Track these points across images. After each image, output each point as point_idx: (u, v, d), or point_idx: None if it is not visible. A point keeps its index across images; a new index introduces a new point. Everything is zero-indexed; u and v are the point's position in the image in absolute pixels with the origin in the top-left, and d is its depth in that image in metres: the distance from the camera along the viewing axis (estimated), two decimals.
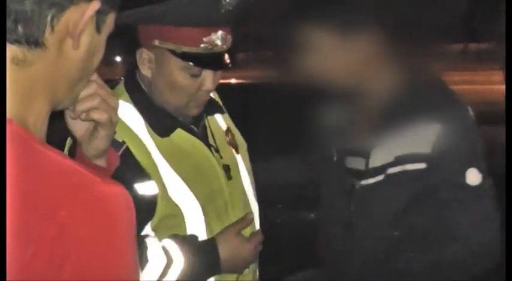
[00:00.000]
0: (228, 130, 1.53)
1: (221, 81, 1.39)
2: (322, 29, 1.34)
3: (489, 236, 1.29)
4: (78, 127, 0.92)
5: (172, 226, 1.30)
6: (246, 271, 1.39)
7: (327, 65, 1.36)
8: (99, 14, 0.65)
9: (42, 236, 0.54)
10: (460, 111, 1.34)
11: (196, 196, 1.32)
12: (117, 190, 0.61)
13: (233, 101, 2.83)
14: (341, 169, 1.50)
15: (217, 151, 1.44)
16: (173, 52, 1.28)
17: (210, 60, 1.30)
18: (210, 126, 1.47)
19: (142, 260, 1.20)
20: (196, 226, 1.32)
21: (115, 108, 0.91)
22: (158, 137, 1.32)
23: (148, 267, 1.22)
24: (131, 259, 0.62)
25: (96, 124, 0.90)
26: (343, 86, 1.38)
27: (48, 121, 0.67)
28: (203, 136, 1.43)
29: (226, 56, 1.33)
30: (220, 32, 1.28)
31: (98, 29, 0.66)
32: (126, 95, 1.36)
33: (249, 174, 1.51)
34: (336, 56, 1.35)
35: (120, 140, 1.24)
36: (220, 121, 1.53)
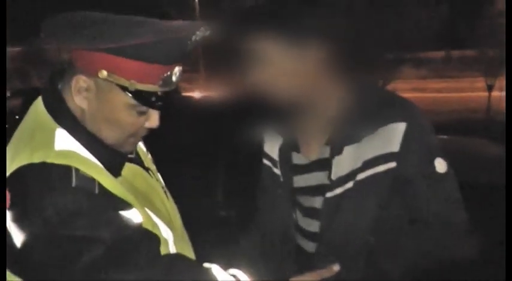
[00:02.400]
0: (147, 150, 1.44)
1: None
2: (270, 39, 1.29)
3: (462, 216, 1.36)
4: None
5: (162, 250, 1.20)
6: None
7: (275, 76, 1.32)
8: None
9: None
10: (417, 109, 1.40)
11: (163, 222, 1.24)
12: None
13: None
14: (287, 189, 1.49)
15: (153, 173, 1.36)
16: (123, 88, 1.10)
17: (163, 100, 1.15)
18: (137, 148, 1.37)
19: None
20: (172, 251, 1.25)
21: None
22: None
23: None
24: None
25: None
26: (292, 98, 1.34)
27: None
28: (139, 161, 1.33)
29: (176, 91, 1.20)
30: (177, 68, 1.14)
31: None
32: (55, 122, 1.15)
33: None
34: (283, 67, 1.31)
35: (89, 177, 1.09)
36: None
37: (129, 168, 1.24)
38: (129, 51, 1.06)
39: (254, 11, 1.33)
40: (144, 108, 1.15)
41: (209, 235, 2.53)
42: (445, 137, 3.46)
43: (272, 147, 1.54)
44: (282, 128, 1.50)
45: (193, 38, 1.10)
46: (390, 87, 10.31)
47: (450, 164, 1.35)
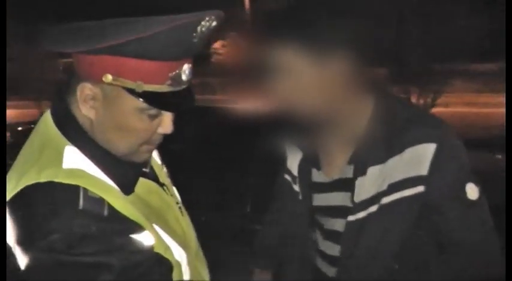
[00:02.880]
0: (162, 163, 1.37)
1: None
2: (295, 49, 1.20)
3: (495, 245, 1.26)
4: None
5: (174, 274, 1.15)
6: None
7: (298, 88, 1.22)
8: None
9: None
10: (449, 128, 1.28)
11: (176, 242, 1.18)
12: None
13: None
14: (306, 208, 1.40)
15: (167, 189, 1.28)
16: (131, 91, 1.03)
17: (175, 101, 1.06)
18: (152, 162, 1.30)
19: None
20: (185, 273, 1.19)
21: None
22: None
23: None
24: None
25: None
26: (314, 112, 1.26)
27: None
28: (154, 176, 1.25)
29: (190, 92, 1.11)
30: (186, 66, 1.06)
31: None
32: (64, 138, 1.09)
33: None
34: (307, 79, 1.21)
35: (98, 197, 1.02)
36: (153, 154, 1.33)
37: (143, 184, 1.17)
38: (131, 49, 0.98)
39: (280, 17, 1.24)
40: (154, 111, 1.07)
41: (235, 246, 2.46)
42: (499, 156, 3.29)
43: (293, 162, 1.46)
44: (303, 143, 1.42)
45: (199, 29, 1.01)
46: (441, 101, 9.96)
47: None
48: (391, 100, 1.31)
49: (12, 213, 1.02)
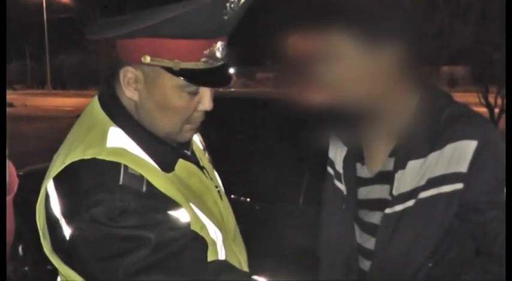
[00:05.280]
0: (204, 147, 1.42)
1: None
2: (345, 35, 1.19)
3: None
4: None
5: (209, 252, 1.17)
6: None
7: (345, 76, 1.22)
8: None
9: None
10: (492, 127, 1.25)
11: (212, 222, 1.22)
12: None
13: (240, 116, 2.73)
14: (351, 200, 1.38)
15: (208, 172, 1.33)
16: (169, 70, 1.10)
17: (212, 77, 1.13)
18: (194, 147, 1.35)
19: None
20: (221, 253, 1.22)
21: None
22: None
23: None
24: None
25: None
26: (360, 103, 1.25)
27: None
28: (195, 159, 1.31)
29: (226, 69, 1.16)
30: (219, 43, 1.12)
31: None
32: (109, 120, 1.17)
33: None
34: (355, 68, 1.21)
35: (138, 174, 1.09)
36: (196, 138, 1.40)
37: (184, 166, 1.23)
38: (166, 29, 1.06)
39: (338, 3, 1.23)
40: (193, 88, 1.13)
41: (284, 239, 2.48)
42: None
43: (336, 155, 1.46)
44: (348, 136, 1.41)
45: (228, 6, 1.06)
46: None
47: None
48: (437, 95, 1.29)
49: (59, 187, 1.10)
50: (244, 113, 2.93)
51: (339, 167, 1.43)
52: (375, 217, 1.32)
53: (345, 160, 1.41)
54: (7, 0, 1.24)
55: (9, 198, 0.75)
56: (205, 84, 1.15)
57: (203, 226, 1.17)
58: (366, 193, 1.37)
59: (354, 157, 1.39)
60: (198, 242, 1.13)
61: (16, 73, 45.64)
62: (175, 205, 1.11)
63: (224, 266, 1.17)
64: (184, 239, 1.09)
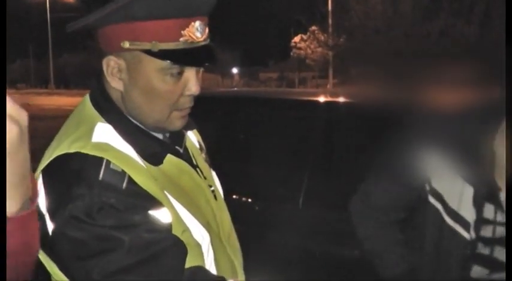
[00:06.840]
0: (201, 147, 1.41)
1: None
2: None
3: None
4: None
5: (191, 256, 1.13)
6: None
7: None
8: None
9: None
10: None
11: (199, 222, 1.20)
12: None
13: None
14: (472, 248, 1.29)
15: (201, 171, 1.32)
16: (148, 52, 1.10)
17: (193, 57, 1.12)
18: (188, 145, 1.34)
19: None
20: (207, 255, 1.20)
21: None
22: (148, 164, 1.16)
23: None
24: None
25: None
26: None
27: None
28: (187, 157, 1.29)
29: (209, 49, 1.16)
30: (198, 22, 1.11)
31: None
32: (99, 115, 1.17)
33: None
34: None
35: (120, 170, 1.07)
36: (192, 137, 1.40)
37: (175, 163, 1.22)
38: (139, 11, 1.06)
39: None
40: (175, 69, 1.12)
41: (283, 238, 2.49)
42: None
43: (450, 191, 1.31)
44: (474, 173, 1.25)
45: None
46: None
47: None
48: None
49: (44, 181, 1.09)
50: (245, 112, 2.93)
51: (455, 206, 1.30)
52: (496, 252, 1.25)
53: (475, 202, 1.27)
54: (11, 0, 1.25)
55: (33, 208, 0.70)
56: (185, 64, 1.14)
57: (186, 229, 1.14)
58: (492, 231, 1.27)
59: (483, 197, 1.26)
60: (177, 248, 1.09)
61: (19, 72, 45.74)
62: (157, 203, 1.09)
63: (199, 272, 1.13)
64: (162, 244, 1.06)
